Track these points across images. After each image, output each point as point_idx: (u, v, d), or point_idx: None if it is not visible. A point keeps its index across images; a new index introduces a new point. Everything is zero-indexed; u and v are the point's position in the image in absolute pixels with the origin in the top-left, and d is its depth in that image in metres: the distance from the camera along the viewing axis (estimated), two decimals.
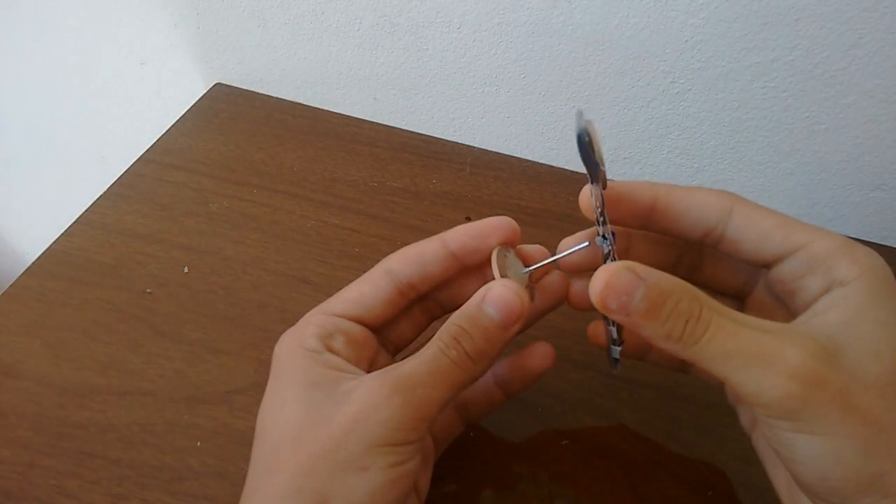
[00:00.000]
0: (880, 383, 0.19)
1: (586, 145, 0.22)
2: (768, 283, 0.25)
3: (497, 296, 0.24)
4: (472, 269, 0.28)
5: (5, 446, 0.32)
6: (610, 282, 0.21)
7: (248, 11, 0.47)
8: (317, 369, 0.24)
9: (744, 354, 0.20)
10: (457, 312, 0.24)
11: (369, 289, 0.27)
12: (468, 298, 0.25)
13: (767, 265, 0.24)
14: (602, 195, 0.24)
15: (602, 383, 0.34)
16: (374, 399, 0.22)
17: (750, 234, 0.24)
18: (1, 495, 0.30)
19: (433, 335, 0.24)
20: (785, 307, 0.25)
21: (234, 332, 0.37)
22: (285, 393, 0.24)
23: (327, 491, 0.21)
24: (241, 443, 0.32)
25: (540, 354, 0.28)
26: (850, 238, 0.23)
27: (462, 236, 0.26)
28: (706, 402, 0.33)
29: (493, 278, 0.25)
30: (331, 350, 0.25)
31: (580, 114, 0.22)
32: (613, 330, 0.26)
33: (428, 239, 0.27)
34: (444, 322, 0.25)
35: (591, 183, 0.23)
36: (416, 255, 0.27)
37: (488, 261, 0.26)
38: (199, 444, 0.32)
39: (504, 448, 0.32)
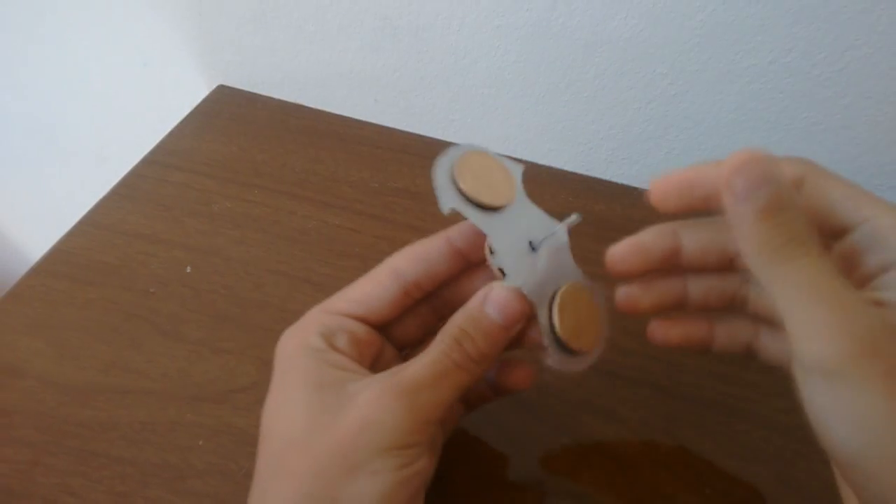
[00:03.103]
0: None
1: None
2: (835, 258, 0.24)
3: (498, 297, 0.24)
4: (479, 266, 0.27)
5: (9, 445, 0.32)
6: (749, 164, 0.19)
7: (251, 14, 0.47)
8: (322, 369, 0.24)
9: (823, 293, 0.19)
10: (458, 313, 0.24)
11: (373, 288, 0.26)
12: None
13: (835, 236, 0.23)
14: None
15: (602, 382, 0.34)
16: (378, 405, 0.22)
17: (819, 203, 0.23)
18: (5, 494, 0.30)
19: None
20: None
21: (236, 331, 0.37)
22: (291, 393, 0.24)
23: (338, 495, 0.21)
24: (243, 441, 0.32)
25: (520, 377, 0.27)
26: None
27: (467, 233, 0.26)
28: (705, 400, 0.34)
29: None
30: (334, 349, 0.25)
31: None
32: (554, 314, 0.25)
33: (432, 237, 0.27)
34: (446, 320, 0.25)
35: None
36: (423, 253, 0.26)
37: None
38: (201, 442, 0.32)
39: (504, 447, 0.32)
